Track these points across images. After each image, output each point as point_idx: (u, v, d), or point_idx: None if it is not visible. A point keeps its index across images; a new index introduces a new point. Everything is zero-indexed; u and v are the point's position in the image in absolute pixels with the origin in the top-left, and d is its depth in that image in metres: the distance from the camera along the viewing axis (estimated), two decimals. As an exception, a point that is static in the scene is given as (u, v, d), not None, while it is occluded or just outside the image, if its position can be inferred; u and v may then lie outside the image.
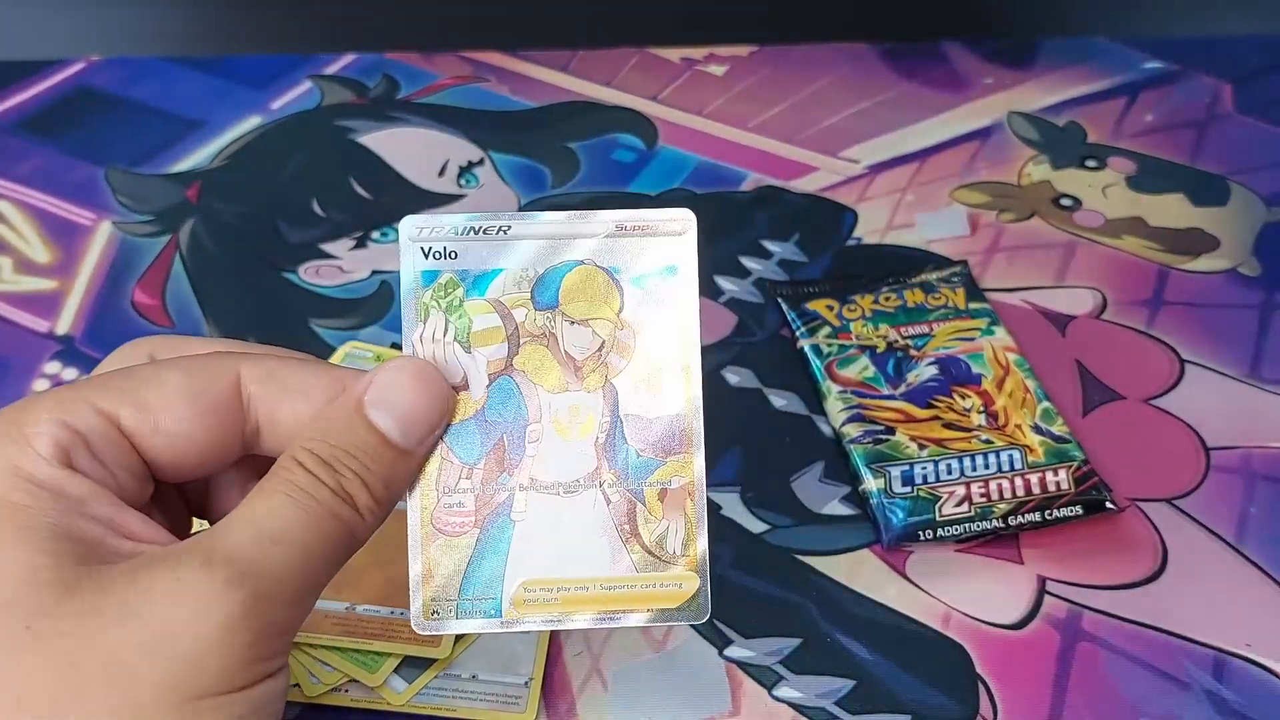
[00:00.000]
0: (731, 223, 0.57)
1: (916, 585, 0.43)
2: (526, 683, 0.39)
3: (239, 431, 0.31)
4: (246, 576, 0.27)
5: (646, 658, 0.40)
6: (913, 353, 0.49)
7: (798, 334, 0.50)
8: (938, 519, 0.43)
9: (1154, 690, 0.40)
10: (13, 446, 0.28)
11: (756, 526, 0.45)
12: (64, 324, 0.52)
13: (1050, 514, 0.43)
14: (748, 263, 0.55)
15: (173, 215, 0.57)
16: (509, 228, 0.32)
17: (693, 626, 0.41)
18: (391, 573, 0.41)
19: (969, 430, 0.45)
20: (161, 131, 0.62)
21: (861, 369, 0.48)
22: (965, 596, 0.42)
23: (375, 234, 0.56)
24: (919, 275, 0.53)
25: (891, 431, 0.45)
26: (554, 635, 0.41)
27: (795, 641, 0.41)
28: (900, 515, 0.43)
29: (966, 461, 0.44)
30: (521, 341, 0.32)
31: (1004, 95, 0.65)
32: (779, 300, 0.52)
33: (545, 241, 0.32)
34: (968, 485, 0.43)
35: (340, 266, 0.55)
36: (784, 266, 0.55)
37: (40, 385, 0.50)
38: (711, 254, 0.56)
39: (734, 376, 0.50)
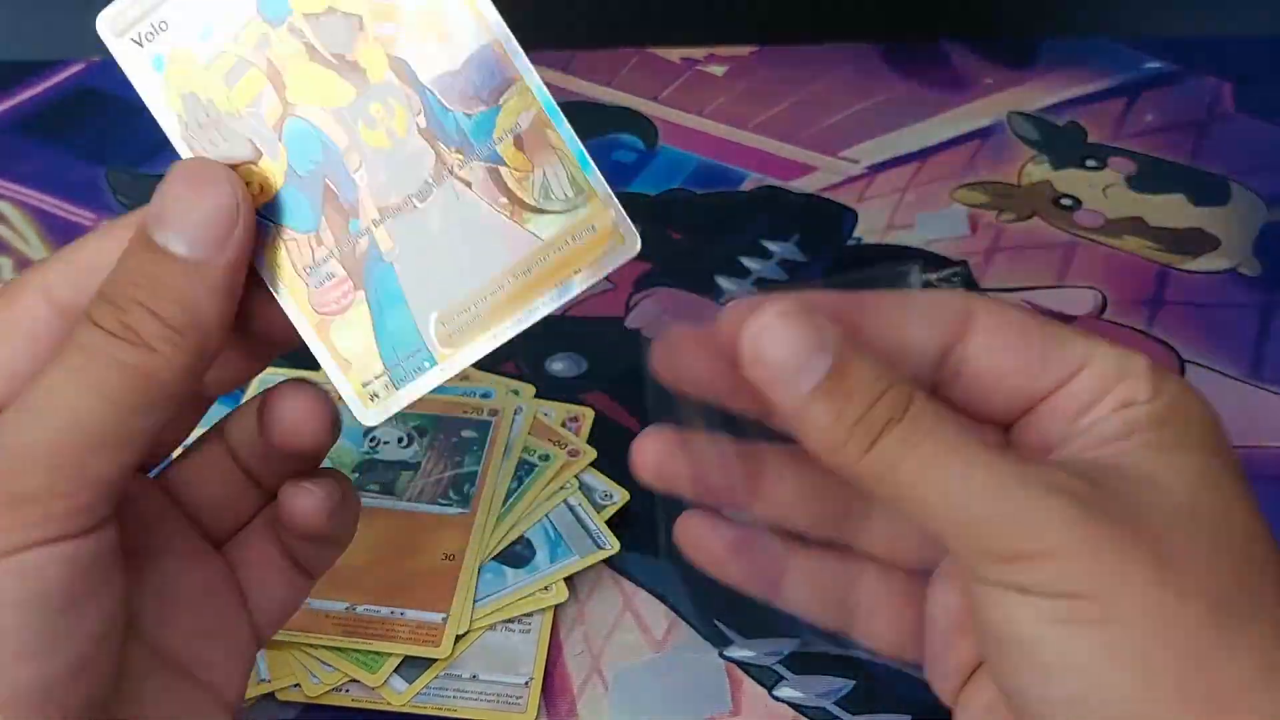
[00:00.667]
0: (731, 223, 0.57)
1: (917, 585, 0.43)
2: (527, 683, 0.39)
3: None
4: None
5: (647, 658, 0.40)
6: None
7: None
8: (938, 519, 0.43)
9: (1154, 690, 0.40)
10: None
11: (757, 526, 0.44)
12: (64, 324, 0.52)
13: None
14: (748, 263, 0.55)
15: (173, 215, 0.57)
16: None
17: (692, 626, 0.41)
18: (392, 572, 0.41)
19: None
20: (162, 132, 0.62)
21: None
22: (965, 596, 0.42)
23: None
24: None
25: None
26: (554, 635, 0.41)
27: (795, 641, 0.41)
28: (900, 515, 0.43)
29: None
30: (281, 72, 0.27)
31: (1004, 95, 0.65)
32: (779, 300, 0.52)
33: None
34: None
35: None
36: (784, 266, 0.55)
37: (41, 385, 0.50)
38: (711, 254, 0.56)
39: (734, 376, 0.50)
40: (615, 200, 0.28)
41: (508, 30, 0.28)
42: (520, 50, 0.28)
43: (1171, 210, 0.58)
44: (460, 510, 0.43)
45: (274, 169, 0.28)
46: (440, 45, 0.27)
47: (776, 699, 0.39)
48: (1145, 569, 0.26)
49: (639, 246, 0.28)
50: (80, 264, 0.28)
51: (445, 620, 0.40)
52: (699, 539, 0.34)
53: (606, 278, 0.28)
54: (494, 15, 0.27)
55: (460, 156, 0.28)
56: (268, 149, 0.28)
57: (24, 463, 0.25)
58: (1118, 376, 0.30)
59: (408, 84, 0.27)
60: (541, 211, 0.28)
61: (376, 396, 0.28)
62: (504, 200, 0.28)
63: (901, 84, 0.66)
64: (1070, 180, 0.60)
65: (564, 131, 0.28)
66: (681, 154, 0.61)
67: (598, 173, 0.28)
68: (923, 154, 0.61)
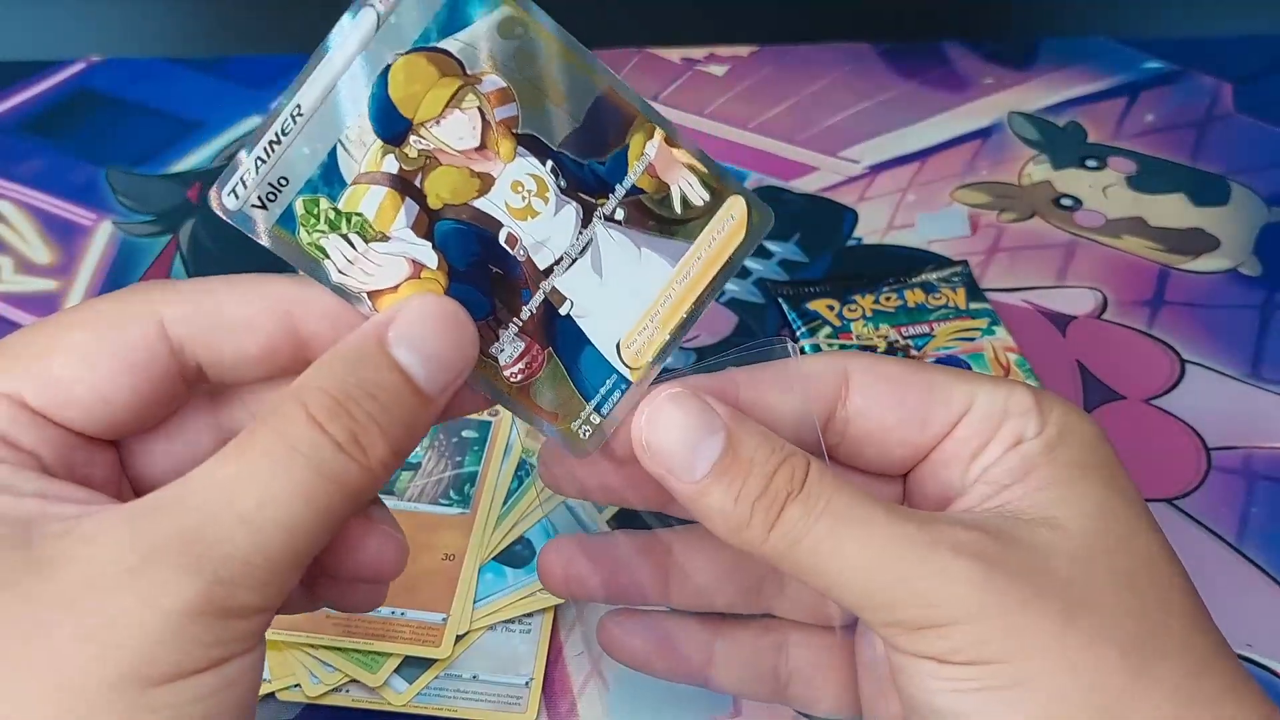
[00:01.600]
0: (732, 223, 0.57)
1: (917, 585, 0.43)
2: (527, 683, 0.39)
3: (174, 379, 0.28)
4: (205, 563, 0.24)
5: (647, 658, 0.40)
6: (913, 353, 0.49)
7: (798, 334, 0.50)
8: (938, 519, 0.43)
9: (1155, 690, 0.40)
10: None
11: (757, 527, 0.44)
12: (64, 324, 0.52)
13: None
14: (748, 263, 0.55)
15: (173, 215, 0.57)
16: (298, 107, 0.27)
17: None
18: (392, 573, 0.41)
19: None
20: (162, 132, 0.62)
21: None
22: (966, 596, 0.42)
23: (375, 234, 0.56)
24: (919, 275, 0.53)
25: None
26: (554, 636, 0.41)
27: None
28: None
29: None
30: (417, 182, 0.28)
31: (1004, 95, 0.65)
32: (780, 300, 0.52)
33: (339, 83, 0.27)
34: None
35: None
36: (784, 266, 0.55)
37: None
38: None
39: (734, 376, 0.50)
40: (743, 186, 0.30)
41: (614, 74, 0.29)
42: (629, 86, 0.29)
43: (1172, 210, 0.58)
44: (460, 510, 0.43)
45: (436, 275, 0.28)
46: (559, 109, 0.28)
47: (777, 699, 0.39)
48: (1052, 622, 0.26)
49: (773, 217, 0.30)
50: (206, 310, 0.28)
51: (445, 620, 0.40)
52: (621, 642, 0.34)
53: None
54: (600, 65, 0.29)
55: (603, 201, 0.29)
56: (424, 259, 0.28)
57: (242, 578, 0.24)
58: (1002, 415, 0.30)
59: (540, 155, 0.28)
60: (686, 221, 0.30)
61: (588, 430, 0.30)
62: (651, 223, 0.30)
63: (901, 84, 0.66)
64: (1070, 180, 0.60)
65: (687, 145, 0.30)
66: (681, 154, 0.61)
67: (720, 166, 0.30)
68: (923, 154, 0.61)
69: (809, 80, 0.66)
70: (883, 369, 0.31)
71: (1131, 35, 0.68)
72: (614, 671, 0.40)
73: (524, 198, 0.29)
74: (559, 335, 0.29)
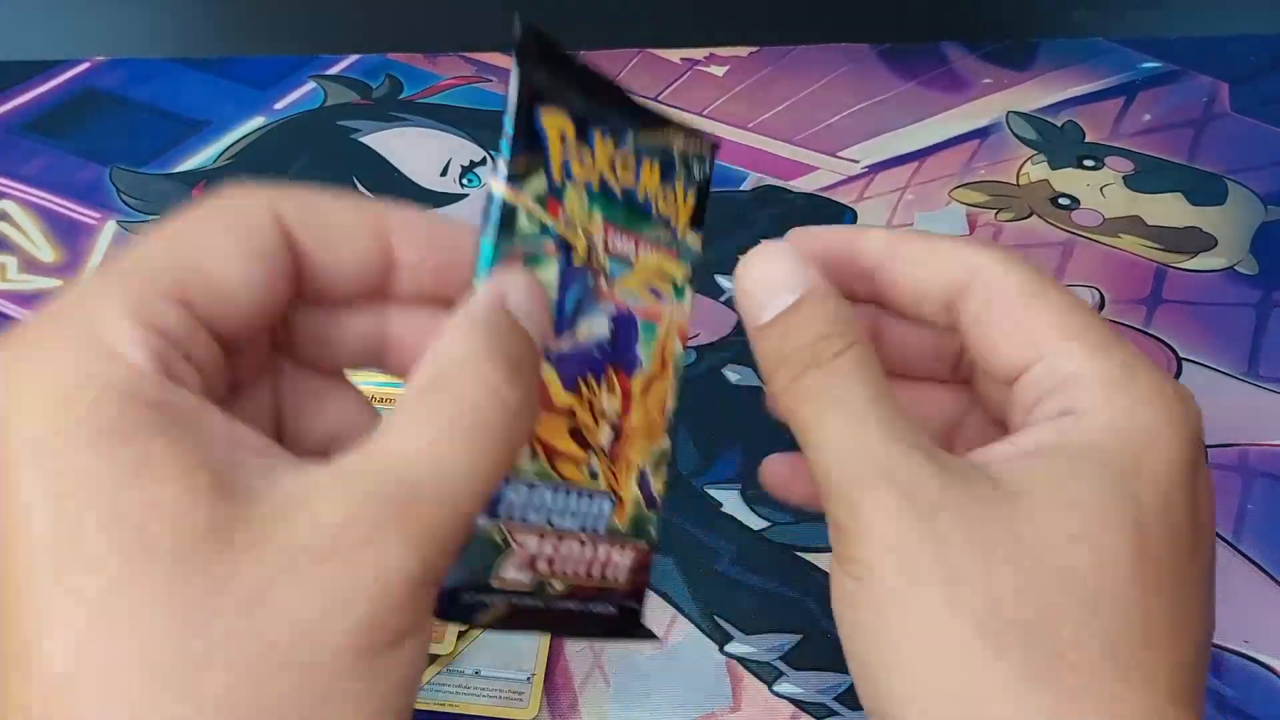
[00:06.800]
0: (731, 222, 0.58)
1: (915, 581, 0.43)
2: (529, 678, 0.40)
3: (290, 278, 0.27)
4: (422, 537, 0.24)
5: (648, 654, 0.41)
6: (603, 285, 0.30)
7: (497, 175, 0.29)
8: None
9: (1151, 685, 0.40)
10: (104, 363, 0.23)
11: (757, 523, 0.45)
12: (69, 323, 0.52)
13: (588, 608, 0.29)
14: (748, 262, 0.56)
15: (177, 215, 0.57)
16: None
17: (693, 623, 0.41)
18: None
19: (586, 450, 0.30)
20: (166, 131, 0.62)
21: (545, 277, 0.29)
22: (964, 592, 0.43)
23: (378, 233, 0.56)
24: (672, 132, 0.31)
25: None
26: (556, 631, 0.41)
27: (795, 637, 0.41)
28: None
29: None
30: None
31: (1002, 95, 0.65)
32: (779, 299, 0.52)
33: None
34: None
35: (343, 266, 0.55)
36: (784, 265, 0.55)
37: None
38: (711, 253, 0.56)
39: (734, 375, 0.50)
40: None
41: None
42: None
43: (1169, 209, 0.59)
44: (463, 507, 0.44)
45: None
46: None
47: (776, 694, 0.40)
48: (931, 598, 0.25)
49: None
50: (323, 220, 0.27)
51: (448, 616, 0.40)
52: (783, 480, 0.34)
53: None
54: None
55: None
56: None
57: (448, 549, 0.25)
58: (1065, 379, 0.28)
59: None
60: None
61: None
62: None
63: (901, 84, 0.66)
64: (1068, 179, 0.60)
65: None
66: (682, 154, 0.62)
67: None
68: (922, 154, 0.62)
69: (808, 80, 0.66)
70: (1005, 279, 0.29)
71: (1129, 35, 0.69)
72: (615, 667, 0.40)
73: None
74: None
